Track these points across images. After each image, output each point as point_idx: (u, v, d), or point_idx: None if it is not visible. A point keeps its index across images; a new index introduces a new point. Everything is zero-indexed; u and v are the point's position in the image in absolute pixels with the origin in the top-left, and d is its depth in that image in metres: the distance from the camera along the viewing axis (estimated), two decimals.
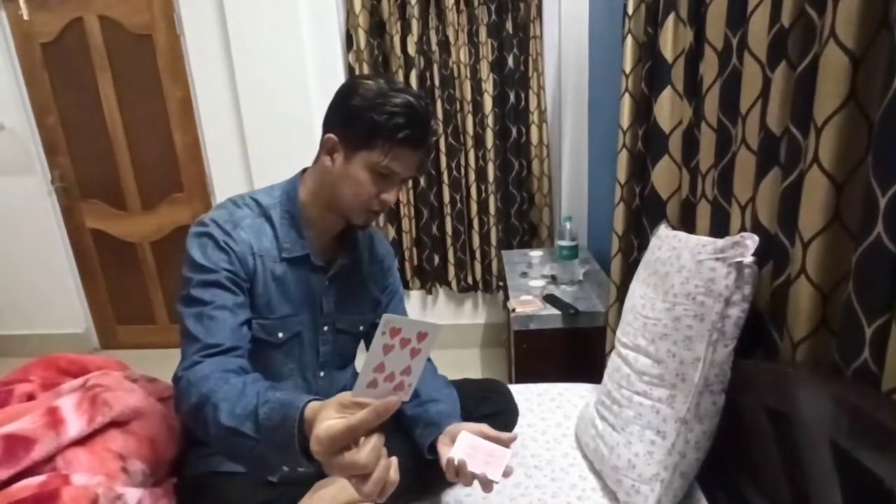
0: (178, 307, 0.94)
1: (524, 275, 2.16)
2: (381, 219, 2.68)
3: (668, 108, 1.30)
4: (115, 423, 0.98)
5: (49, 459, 0.86)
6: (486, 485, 0.89)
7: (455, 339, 2.81)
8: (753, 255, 0.88)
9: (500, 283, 2.66)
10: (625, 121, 1.50)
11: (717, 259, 0.91)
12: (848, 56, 0.69)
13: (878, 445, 0.61)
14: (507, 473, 0.89)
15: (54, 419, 0.88)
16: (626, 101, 1.49)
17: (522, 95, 2.54)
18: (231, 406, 0.76)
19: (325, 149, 0.98)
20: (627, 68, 1.45)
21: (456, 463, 0.89)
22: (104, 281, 3.05)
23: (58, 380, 1.07)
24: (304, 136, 2.38)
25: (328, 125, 0.98)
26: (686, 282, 0.95)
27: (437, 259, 2.72)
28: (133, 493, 0.88)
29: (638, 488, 0.97)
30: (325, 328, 1.10)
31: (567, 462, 1.17)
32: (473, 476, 0.88)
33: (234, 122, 2.60)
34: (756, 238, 0.88)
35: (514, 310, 1.83)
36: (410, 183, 2.62)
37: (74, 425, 0.89)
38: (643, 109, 1.42)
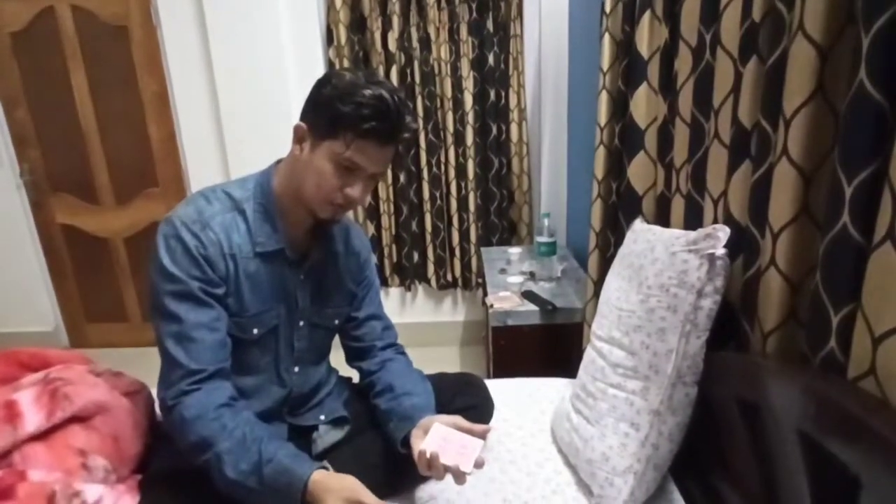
0: (154, 318, 0.93)
1: (503, 271, 2.16)
2: (360, 215, 2.66)
3: (643, 105, 1.31)
4: (77, 419, 0.95)
5: (5, 455, 0.83)
6: (459, 476, 0.88)
7: (434, 336, 2.80)
8: (725, 246, 0.89)
9: (480, 281, 2.66)
10: (602, 117, 1.51)
11: (690, 251, 0.91)
12: (816, 49, 0.70)
13: (845, 433, 0.62)
14: (479, 464, 0.89)
15: (11, 413, 0.85)
16: (604, 99, 1.50)
17: (503, 93, 2.55)
18: (235, 460, 0.87)
19: (296, 137, 0.96)
20: (605, 66, 1.46)
21: (428, 455, 0.88)
22: (74, 278, 2.97)
23: (18, 374, 1.03)
24: (282, 133, 2.34)
25: (302, 114, 0.96)
26: (660, 273, 0.96)
27: (416, 256, 2.71)
28: (93, 490, 0.85)
29: (612, 481, 0.97)
30: (301, 323, 1.08)
31: (542, 456, 1.17)
32: (446, 468, 0.88)
33: (211, 117, 2.56)
34: (727, 230, 0.88)
35: (492, 306, 1.82)
36: (390, 179, 2.61)
37: (32, 420, 0.86)
38: (620, 106, 1.43)
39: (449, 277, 2.75)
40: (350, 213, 1.32)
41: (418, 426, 0.97)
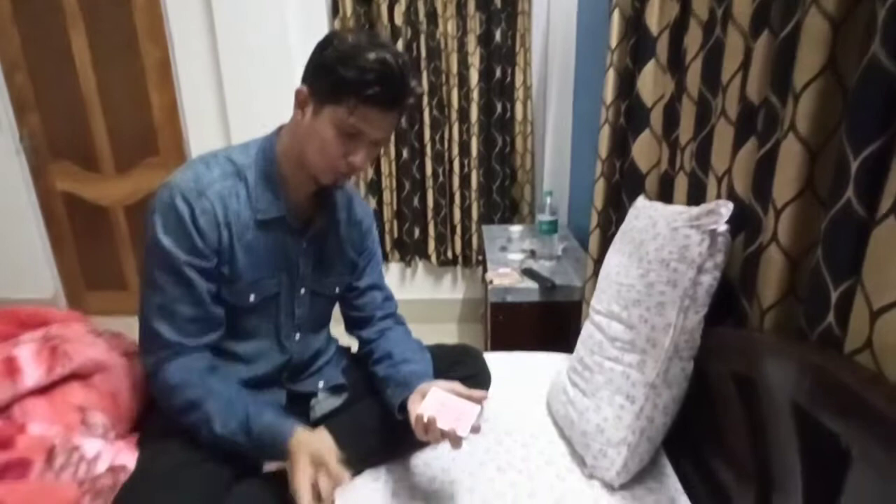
0: (141, 285, 0.94)
1: (503, 249, 2.16)
2: (362, 189, 2.65)
3: (651, 82, 1.30)
4: (76, 376, 0.95)
5: (5, 408, 0.83)
6: (455, 441, 0.89)
7: (432, 313, 2.81)
8: (727, 223, 0.88)
9: (480, 258, 2.66)
10: (608, 96, 1.49)
11: (692, 226, 0.91)
12: (829, 22, 0.69)
13: (839, 405, 0.62)
14: (475, 429, 0.89)
15: (11, 368, 0.85)
16: (611, 76, 1.48)
17: (509, 71, 2.52)
18: (224, 419, 0.90)
19: (297, 101, 0.94)
20: (613, 43, 1.44)
21: (425, 419, 0.89)
22: (74, 245, 2.97)
23: (17, 332, 1.03)
24: (285, 103, 2.32)
25: (303, 77, 0.93)
26: (660, 248, 0.96)
27: (417, 232, 2.71)
28: (92, 445, 0.86)
29: (605, 452, 0.98)
30: (302, 291, 1.07)
31: (537, 428, 1.18)
32: (442, 433, 0.88)
33: (214, 85, 2.53)
34: (730, 205, 0.88)
35: (491, 282, 1.83)
36: (393, 154, 2.59)
37: (32, 375, 0.87)
38: (627, 84, 1.42)
39: (449, 254, 2.75)
40: (353, 185, 1.31)
41: (416, 391, 0.98)
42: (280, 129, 1.03)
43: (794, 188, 0.76)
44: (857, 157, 0.63)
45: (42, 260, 2.94)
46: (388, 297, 1.23)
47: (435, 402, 0.92)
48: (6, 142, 2.74)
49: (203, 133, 2.64)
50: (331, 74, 0.87)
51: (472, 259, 2.76)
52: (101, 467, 0.84)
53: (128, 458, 0.89)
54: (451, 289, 2.90)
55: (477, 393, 0.96)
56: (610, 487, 0.99)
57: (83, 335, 1.01)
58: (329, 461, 0.85)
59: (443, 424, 0.88)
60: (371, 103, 0.87)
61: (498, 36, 2.45)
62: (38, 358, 0.89)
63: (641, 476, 1.01)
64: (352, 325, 1.22)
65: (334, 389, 1.16)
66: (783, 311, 0.81)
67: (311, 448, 0.87)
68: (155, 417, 1.01)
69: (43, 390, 0.89)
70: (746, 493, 0.85)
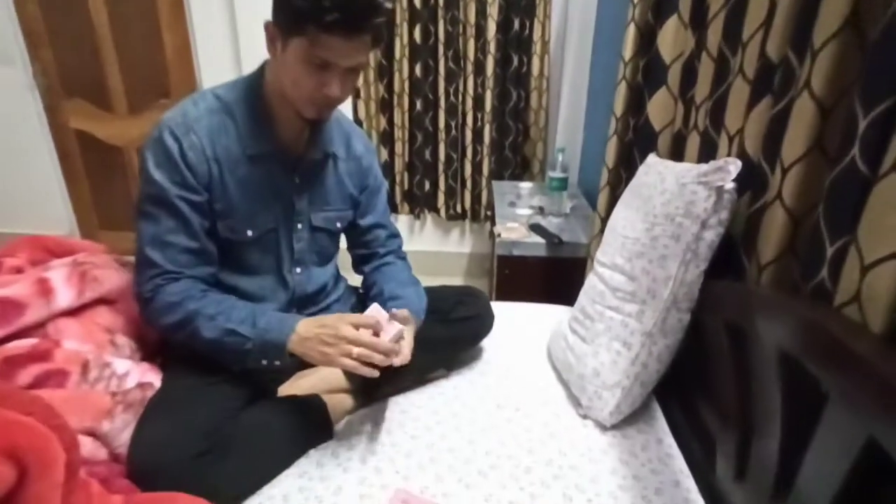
0: (135, 219, 0.95)
1: (512, 204, 2.18)
2: (374, 138, 2.65)
3: (671, 39, 1.28)
4: (103, 301, 1.01)
5: (40, 326, 0.89)
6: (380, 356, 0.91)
7: (439, 266, 2.86)
8: (734, 181, 0.90)
9: (489, 214, 2.69)
10: (627, 52, 1.47)
11: (699, 183, 0.93)
12: None
13: (824, 353, 0.66)
14: (400, 356, 0.93)
15: (44, 288, 0.90)
16: (631, 31, 1.46)
17: (527, 23, 2.47)
18: (228, 315, 0.94)
19: (267, 36, 0.92)
20: None
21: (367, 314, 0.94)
22: (88, 184, 3.00)
23: (45, 258, 1.08)
24: None
25: (272, 10, 0.89)
26: (667, 203, 0.98)
27: (427, 185, 2.73)
28: (121, 363, 0.92)
29: (600, 394, 1.04)
30: (299, 225, 1.09)
31: (537, 372, 1.24)
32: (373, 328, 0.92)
33: (227, 27, 2.50)
34: (739, 163, 0.90)
35: (499, 235, 1.86)
36: (406, 105, 2.58)
37: (64, 296, 0.92)
38: (647, 40, 1.40)
39: (458, 208, 2.77)
40: (363, 131, 1.32)
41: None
42: (265, 63, 1.01)
43: (803, 147, 0.78)
44: (867, 116, 0.64)
45: (57, 198, 2.99)
46: (393, 235, 1.26)
47: (377, 311, 0.95)
48: (19, 76, 2.74)
49: (216, 76, 2.61)
50: (287, 6, 0.85)
51: (480, 214, 2.79)
52: (131, 383, 0.90)
53: (153, 377, 0.95)
54: (458, 243, 2.94)
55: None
56: (602, 427, 1.05)
57: (109, 263, 1.06)
58: (344, 329, 0.89)
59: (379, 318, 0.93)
60: (332, 31, 0.84)
61: None
62: (70, 281, 0.94)
63: (632, 418, 1.07)
64: (357, 263, 1.26)
65: None
66: (780, 267, 0.84)
67: (322, 320, 0.92)
68: (173, 346, 1.06)
69: (73, 312, 0.95)
70: (729, 436, 0.91)
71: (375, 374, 0.90)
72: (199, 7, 2.51)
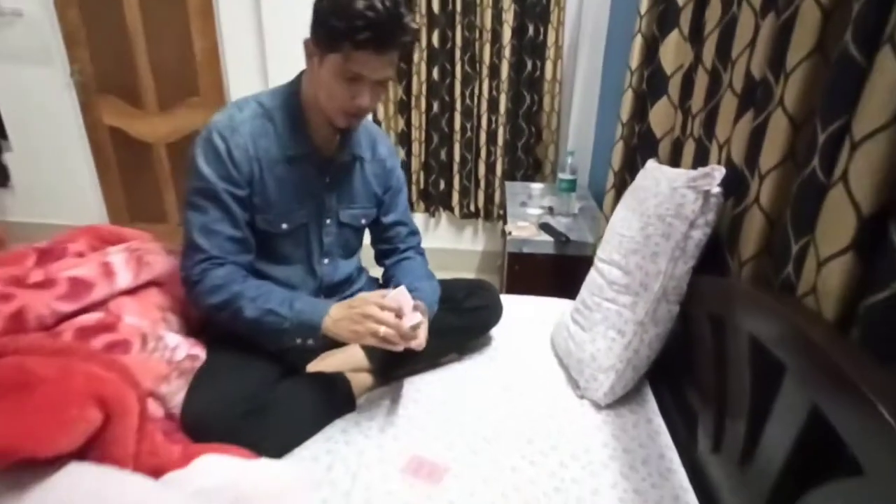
0: (184, 209, 1.07)
1: (523, 204, 2.29)
2: (392, 139, 2.77)
3: (672, 51, 1.38)
4: (155, 283, 1.14)
5: (103, 303, 1.02)
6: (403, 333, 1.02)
7: (453, 262, 2.97)
8: (721, 185, 1.00)
9: (501, 213, 2.79)
10: (634, 61, 1.57)
11: (689, 187, 1.03)
12: (821, 10, 0.79)
13: (783, 334, 0.76)
14: (417, 342, 1.04)
15: (107, 270, 1.03)
16: (638, 42, 1.56)
17: (542, 29, 2.56)
18: (268, 297, 1.05)
19: (306, 52, 1.04)
20: (643, 9, 1.51)
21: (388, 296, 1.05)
22: (120, 178, 3.15)
23: (100, 245, 1.21)
24: None
25: (310, 28, 1.01)
26: (660, 205, 1.08)
27: (442, 184, 2.84)
28: (173, 337, 1.05)
29: (595, 376, 1.15)
30: (328, 221, 1.21)
31: (540, 357, 1.35)
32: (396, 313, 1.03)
33: (253, 32, 2.63)
34: (723, 170, 1.00)
35: (510, 233, 1.97)
36: (424, 107, 2.69)
37: (124, 277, 1.05)
38: (651, 51, 1.50)
39: (472, 207, 2.87)
40: (385, 134, 1.44)
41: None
42: (302, 73, 1.13)
43: (778, 157, 0.88)
44: (825, 132, 0.75)
45: (90, 191, 3.14)
46: (413, 232, 1.38)
47: (399, 295, 1.06)
48: (58, 75, 2.89)
49: (242, 77, 2.76)
50: (326, 26, 0.95)
51: (493, 213, 2.89)
52: (180, 354, 1.02)
53: (199, 351, 1.08)
54: (471, 240, 3.04)
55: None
56: (597, 406, 1.16)
57: (158, 250, 1.19)
58: (370, 308, 1.00)
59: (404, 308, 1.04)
60: (364, 48, 0.94)
61: None
62: (128, 265, 1.07)
63: (625, 399, 1.17)
64: (379, 257, 1.38)
65: None
66: (758, 263, 0.94)
67: (350, 302, 1.04)
68: (215, 325, 1.19)
69: (130, 292, 1.07)
70: (708, 414, 1.01)
71: (400, 348, 1.01)
72: (228, 12, 2.64)
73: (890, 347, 0.63)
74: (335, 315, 1.03)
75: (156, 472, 0.76)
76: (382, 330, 0.99)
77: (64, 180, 3.11)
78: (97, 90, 2.94)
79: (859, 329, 0.68)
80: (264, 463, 0.81)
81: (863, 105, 0.66)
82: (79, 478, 0.67)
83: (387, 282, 1.33)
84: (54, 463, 0.67)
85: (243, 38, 2.66)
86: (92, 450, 0.71)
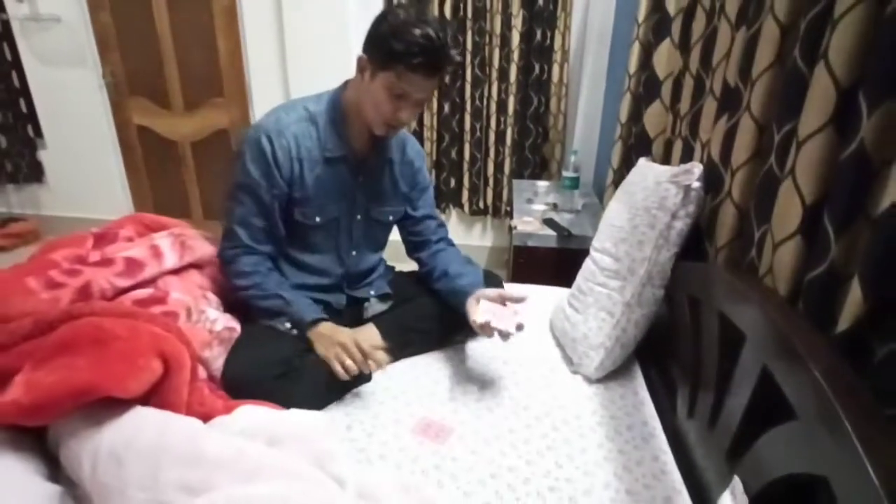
0: (227, 200, 1.23)
1: (529, 201, 2.41)
2: None
3: (664, 58, 1.50)
4: (195, 266, 1.28)
5: (153, 280, 1.16)
6: (505, 336, 1.17)
7: None
8: (699, 180, 1.12)
9: (508, 210, 2.91)
10: (633, 66, 1.69)
11: (671, 182, 1.15)
12: (779, 27, 0.90)
13: (744, 307, 0.88)
14: (520, 327, 1.16)
15: (156, 252, 1.18)
16: (636, 49, 1.68)
17: (549, 34, 2.67)
18: (277, 286, 1.24)
19: (358, 66, 1.17)
20: (641, 17, 1.63)
21: (481, 322, 1.17)
22: (146, 174, 3.32)
23: (145, 232, 1.36)
24: (338, 54, 2.58)
25: (363, 47, 1.15)
26: (646, 198, 1.20)
27: (452, 182, 2.96)
28: (213, 312, 1.19)
29: (587, 353, 1.27)
30: (358, 217, 1.35)
31: (539, 339, 1.47)
32: (496, 330, 1.16)
33: (275, 35, 2.76)
34: (700, 166, 1.12)
35: (515, 227, 2.09)
36: (435, 108, 2.82)
37: (170, 258, 1.19)
38: (647, 57, 1.61)
39: (481, 204, 3.00)
40: (413, 137, 1.56)
41: (470, 298, 1.25)
42: (346, 83, 1.27)
43: (746, 155, 0.99)
44: (780, 132, 0.86)
45: (118, 185, 3.31)
46: (441, 224, 1.51)
47: (487, 309, 1.19)
48: (91, 77, 3.06)
49: (263, 78, 2.90)
50: (384, 47, 1.08)
51: (501, 210, 3.01)
52: (220, 326, 1.16)
53: (235, 324, 1.22)
54: (480, 236, 3.16)
55: (516, 296, 1.23)
56: (589, 380, 1.28)
57: (198, 236, 1.33)
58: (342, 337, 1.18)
59: (497, 325, 1.16)
60: (416, 71, 1.08)
61: None
62: (173, 248, 1.22)
63: (615, 375, 1.29)
64: (411, 250, 1.50)
65: (382, 297, 1.46)
66: (730, 249, 1.06)
67: (337, 332, 1.19)
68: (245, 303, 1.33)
69: (175, 272, 1.22)
70: (685, 384, 1.13)
71: (345, 376, 1.15)
72: (251, 16, 2.78)
73: (824, 314, 0.75)
74: (321, 330, 1.20)
75: (203, 418, 0.90)
76: (348, 362, 1.14)
77: (94, 177, 3.29)
78: (127, 92, 3.11)
79: (803, 300, 0.80)
80: (295, 411, 0.94)
81: (805, 110, 0.78)
82: (143, 417, 0.81)
83: (428, 274, 1.44)
84: (124, 404, 0.81)
85: (265, 39, 2.79)
86: (153, 396, 0.85)
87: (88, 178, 3.30)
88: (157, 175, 3.32)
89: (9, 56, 3.06)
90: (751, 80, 0.96)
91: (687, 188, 1.12)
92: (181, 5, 2.88)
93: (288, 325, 1.22)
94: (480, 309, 1.20)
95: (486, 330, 1.18)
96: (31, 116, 3.19)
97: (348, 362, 1.13)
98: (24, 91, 3.14)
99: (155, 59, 3.00)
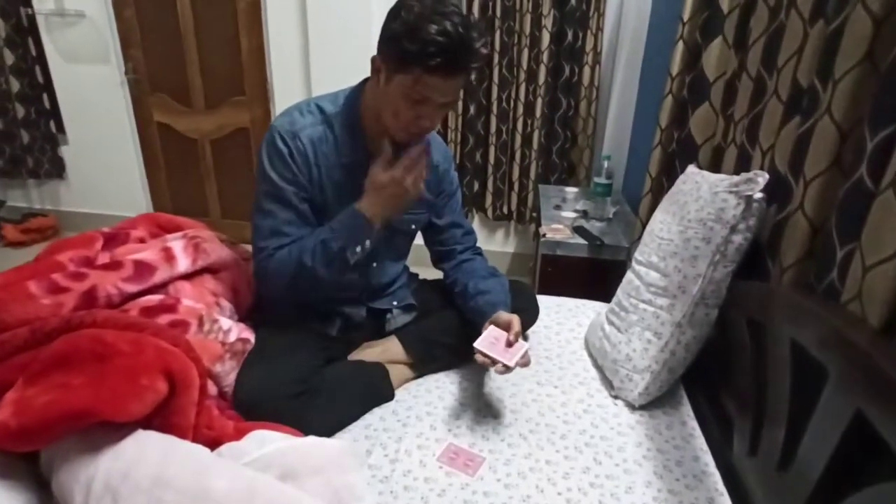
0: (253, 213, 1.11)
1: (557, 207, 2.30)
2: None
3: (715, 58, 1.39)
4: (209, 270, 1.20)
5: (163, 286, 1.08)
6: (503, 369, 1.05)
7: None
8: (762, 191, 1.01)
9: (533, 215, 2.81)
10: (675, 67, 1.58)
11: (731, 192, 1.04)
12: (871, 19, 0.79)
13: (828, 341, 0.77)
14: (524, 364, 1.05)
15: (168, 255, 1.10)
16: (679, 49, 1.57)
17: (580, 35, 2.57)
18: (314, 236, 1.09)
19: (373, 68, 1.03)
20: (686, 16, 1.52)
21: (477, 349, 1.06)
22: (165, 172, 3.29)
23: (159, 232, 1.29)
24: (362, 52, 2.47)
25: (377, 46, 1.01)
26: (700, 209, 1.09)
27: (476, 186, 2.87)
28: (226, 321, 1.10)
29: (631, 377, 1.16)
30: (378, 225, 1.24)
31: (574, 357, 1.36)
32: (493, 360, 1.05)
33: (299, 33, 2.71)
34: (766, 175, 1.00)
35: (544, 235, 1.99)
36: (460, 109, 2.73)
37: (183, 262, 1.11)
38: (693, 58, 1.50)
39: (505, 210, 2.90)
40: (440, 139, 1.45)
41: (489, 321, 1.14)
42: (365, 81, 1.14)
43: (824, 164, 0.88)
44: (874, 139, 0.75)
45: (137, 182, 3.28)
46: (468, 232, 1.38)
47: (489, 337, 1.08)
48: (113, 74, 3.04)
49: (286, 77, 2.84)
50: (397, 47, 0.94)
51: (525, 216, 2.91)
52: (233, 337, 1.08)
53: (249, 334, 1.14)
54: (503, 242, 3.06)
55: (517, 339, 1.09)
56: (631, 406, 1.17)
57: (214, 238, 1.25)
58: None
59: (494, 355, 1.05)
60: (435, 72, 0.94)
61: None
62: (186, 251, 1.14)
63: (660, 401, 1.18)
64: (436, 259, 1.39)
65: (406, 308, 1.36)
66: (800, 269, 0.95)
67: (369, 187, 1.07)
68: (264, 308, 1.24)
69: (187, 276, 1.14)
70: (745, 419, 1.01)
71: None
72: (275, 14, 2.73)
73: None
74: (367, 204, 1.08)
75: (211, 444, 0.81)
76: (407, 182, 1.04)
77: (114, 173, 3.26)
78: (149, 89, 3.08)
79: None
80: (313, 440, 0.85)
81: None
82: (145, 443, 0.73)
83: (451, 286, 1.33)
84: (124, 428, 0.72)
85: (288, 37, 2.74)
86: (156, 418, 0.77)
87: (109, 175, 3.28)
88: (175, 173, 3.29)
89: (34, 51, 3.05)
90: (832, 80, 0.85)
91: (749, 199, 1.01)
92: (205, 3, 2.84)
93: (358, 249, 1.09)
94: (482, 336, 1.09)
95: (482, 359, 1.06)
96: (54, 112, 3.18)
97: (408, 182, 1.04)
98: (48, 86, 3.13)
99: (177, 57, 2.96)
